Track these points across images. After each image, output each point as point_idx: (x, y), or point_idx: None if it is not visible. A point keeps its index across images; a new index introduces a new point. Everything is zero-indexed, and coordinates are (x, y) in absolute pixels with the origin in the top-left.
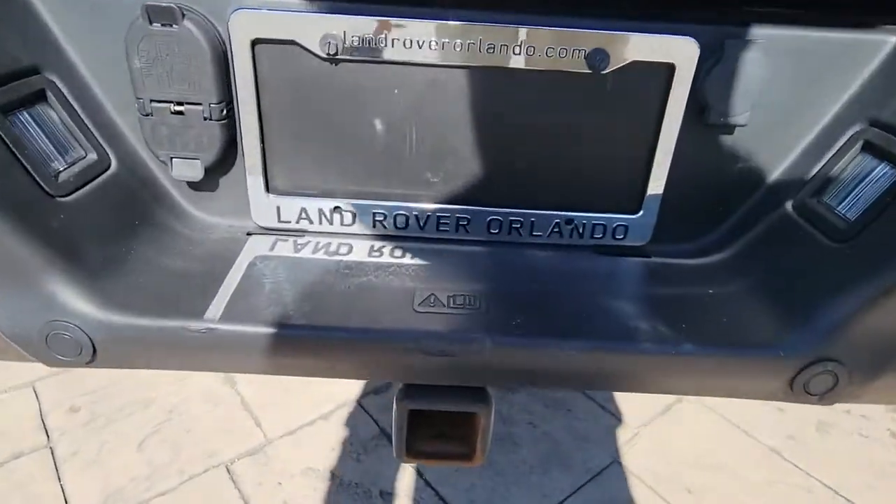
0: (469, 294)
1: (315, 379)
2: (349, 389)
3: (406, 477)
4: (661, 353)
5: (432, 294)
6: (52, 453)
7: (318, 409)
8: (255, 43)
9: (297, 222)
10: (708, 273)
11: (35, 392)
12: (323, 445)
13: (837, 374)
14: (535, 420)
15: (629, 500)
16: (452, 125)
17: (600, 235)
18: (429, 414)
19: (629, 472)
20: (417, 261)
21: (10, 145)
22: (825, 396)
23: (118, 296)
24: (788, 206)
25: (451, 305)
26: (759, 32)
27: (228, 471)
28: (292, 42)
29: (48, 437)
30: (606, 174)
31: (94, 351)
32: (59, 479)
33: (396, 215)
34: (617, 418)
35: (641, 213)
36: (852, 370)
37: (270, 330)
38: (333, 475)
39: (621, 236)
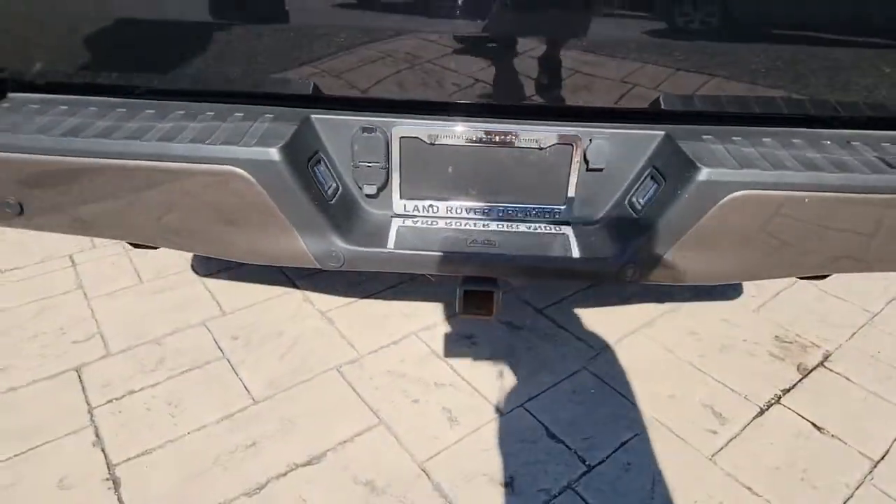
0: (492, 240)
1: (390, 316)
2: (409, 326)
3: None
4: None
5: (475, 240)
6: (229, 362)
7: (390, 338)
8: (402, 138)
9: (413, 211)
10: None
11: (208, 328)
12: (395, 359)
13: (635, 270)
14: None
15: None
16: (479, 167)
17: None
18: (471, 293)
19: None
20: (467, 227)
21: (313, 178)
22: (629, 280)
23: (351, 239)
24: (624, 201)
25: (483, 243)
26: (601, 130)
27: (339, 371)
28: (416, 138)
29: (222, 352)
30: (549, 188)
31: (343, 261)
32: (236, 374)
33: (457, 207)
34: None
35: (564, 205)
36: (641, 266)
37: (413, 251)
38: (405, 375)
39: (557, 216)
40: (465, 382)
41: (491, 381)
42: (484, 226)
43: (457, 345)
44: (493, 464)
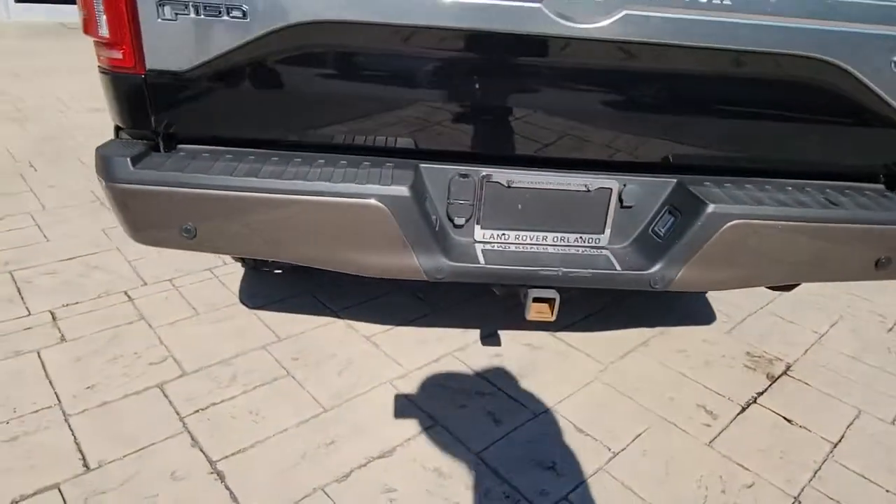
0: (553, 259)
1: (426, 341)
2: (444, 348)
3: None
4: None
5: (541, 259)
6: (294, 378)
7: (430, 357)
8: (486, 182)
9: (490, 238)
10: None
11: (268, 351)
12: (439, 374)
13: (660, 280)
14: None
15: None
16: (542, 205)
17: (591, 241)
18: (538, 300)
19: None
20: (533, 249)
21: (426, 211)
22: (656, 288)
23: (452, 257)
24: (649, 230)
25: (546, 262)
26: (631, 178)
27: (392, 384)
28: (497, 182)
29: (286, 371)
30: (594, 220)
31: (446, 275)
32: (303, 388)
33: (524, 235)
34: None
35: (605, 233)
36: (665, 278)
37: (499, 266)
38: (449, 386)
39: (599, 241)
40: (501, 391)
41: (522, 390)
42: (546, 248)
43: (489, 362)
44: (537, 452)
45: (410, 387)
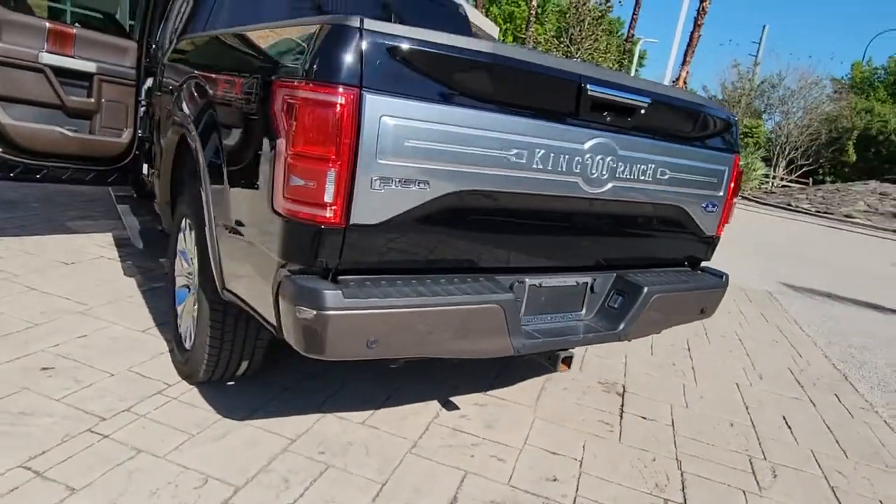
0: (568, 329)
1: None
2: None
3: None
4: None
5: (562, 330)
6: (333, 467)
7: (420, 425)
8: (529, 285)
9: (528, 322)
10: None
11: (291, 451)
12: (446, 428)
13: (623, 334)
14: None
15: None
16: (553, 296)
17: (580, 316)
18: (565, 358)
19: None
20: (556, 325)
21: (517, 308)
22: (622, 339)
23: (522, 336)
24: (606, 304)
25: (565, 332)
26: (597, 275)
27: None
28: (533, 284)
29: (323, 459)
30: (582, 303)
31: (525, 349)
32: (349, 472)
33: (549, 317)
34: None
35: (584, 309)
36: (625, 332)
37: (549, 339)
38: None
39: (582, 314)
40: (486, 440)
41: (497, 432)
42: (556, 324)
43: (461, 422)
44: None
45: (429, 450)
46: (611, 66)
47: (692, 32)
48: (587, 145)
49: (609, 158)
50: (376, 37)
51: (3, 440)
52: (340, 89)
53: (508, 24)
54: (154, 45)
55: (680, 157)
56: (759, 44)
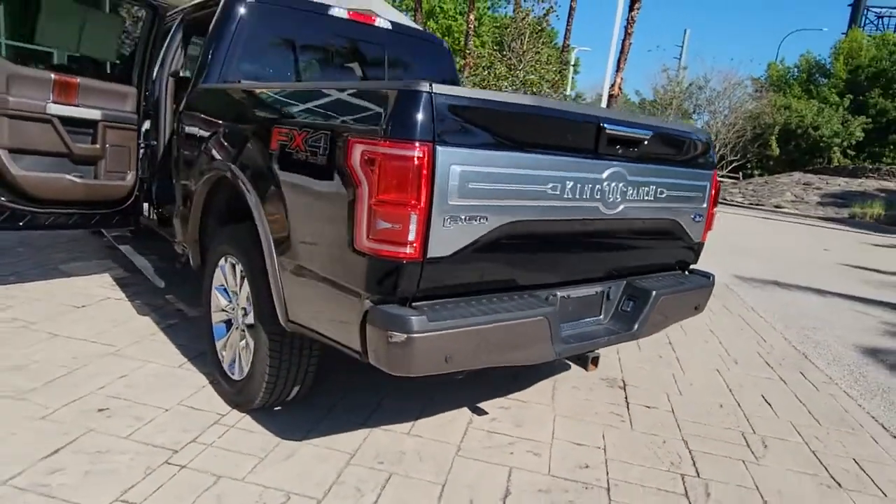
0: (591, 332)
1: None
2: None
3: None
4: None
5: (590, 333)
6: (398, 475)
7: (458, 431)
8: (560, 297)
9: (563, 329)
10: None
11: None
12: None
13: (636, 333)
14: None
15: None
16: (577, 306)
17: (599, 321)
18: (594, 358)
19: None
20: (581, 330)
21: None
22: (636, 337)
23: (561, 342)
24: (620, 308)
25: (592, 334)
26: (612, 283)
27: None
28: (563, 296)
29: (384, 470)
30: (600, 308)
31: (563, 353)
32: (409, 477)
33: (577, 323)
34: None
35: (603, 314)
36: (638, 332)
37: (583, 342)
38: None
39: (602, 319)
40: (521, 438)
41: (527, 426)
42: (583, 329)
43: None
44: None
45: (473, 451)
46: (553, 76)
47: (623, 41)
48: (605, 174)
49: (621, 184)
50: (442, 98)
51: (92, 478)
52: (418, 145)
53: (447, 38)
54: (148, 91)
55: (674, 177)
56: (682, 47)
